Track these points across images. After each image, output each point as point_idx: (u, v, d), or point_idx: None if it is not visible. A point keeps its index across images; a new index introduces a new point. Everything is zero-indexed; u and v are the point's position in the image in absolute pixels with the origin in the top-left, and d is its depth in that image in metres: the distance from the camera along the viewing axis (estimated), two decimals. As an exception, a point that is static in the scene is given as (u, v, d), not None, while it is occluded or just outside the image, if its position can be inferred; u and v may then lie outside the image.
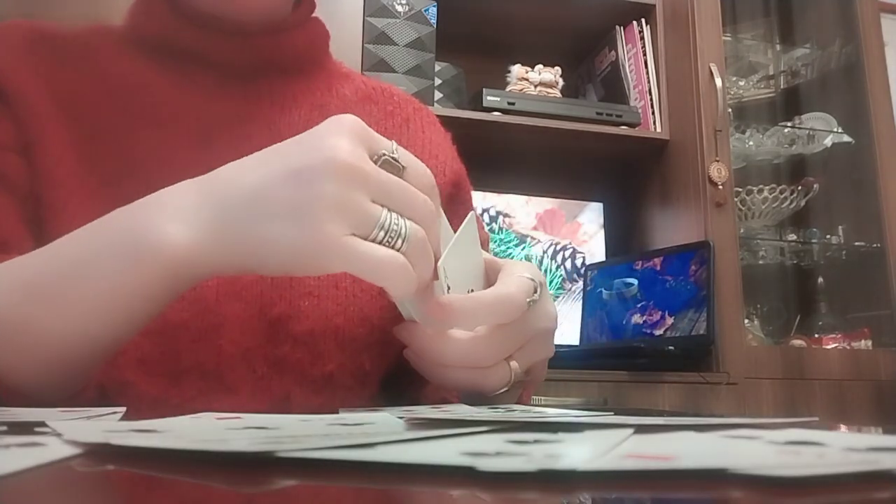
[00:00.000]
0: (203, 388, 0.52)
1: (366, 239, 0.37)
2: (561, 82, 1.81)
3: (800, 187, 1.84)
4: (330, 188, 0.36)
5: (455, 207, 0.71)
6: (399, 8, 1.63)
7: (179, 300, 0.52)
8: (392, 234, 0.37)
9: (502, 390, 0.44)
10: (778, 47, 2.03)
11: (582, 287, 1.81)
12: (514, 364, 0.44)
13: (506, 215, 1.83)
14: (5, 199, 0.53)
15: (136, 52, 0.61)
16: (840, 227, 1.86)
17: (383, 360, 0.60)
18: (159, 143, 0.57)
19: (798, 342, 1.73)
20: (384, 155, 0.39)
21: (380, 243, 0.37)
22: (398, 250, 0.38)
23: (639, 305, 1.66)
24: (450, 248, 0.42)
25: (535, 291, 0.44)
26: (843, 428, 0.38)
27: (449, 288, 0.42)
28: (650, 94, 1.79)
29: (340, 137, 0.38)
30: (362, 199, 0.37)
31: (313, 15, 0.66)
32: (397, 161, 0.40)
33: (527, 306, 0.43)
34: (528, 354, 0.45)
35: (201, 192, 0.40)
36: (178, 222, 0.39)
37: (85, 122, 0.57)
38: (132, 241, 0.39)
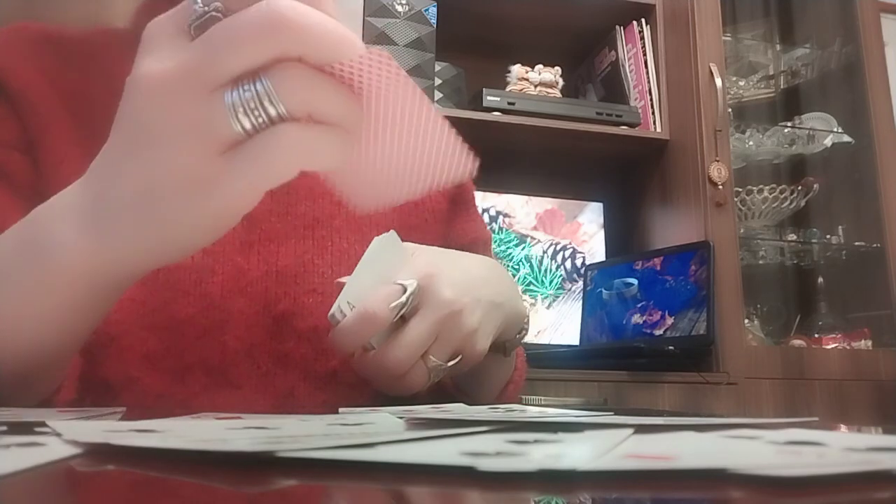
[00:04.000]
0: (208, 383, 0.53)
1: (242, 133, 0.30)
2: (561, 82, 1.81)
3: (800, 187, 1.84)
4: (158, 118, 0.30)
5: (457, 207, 0.71)
6: (399, 8, 1.63)
7: (185, 296, 0.52)
8: (252, 108, 0.29)
9: (427, 385, 0.46)
10: (778, 47, 2.03)
11: (582, 287, 1.81)
12: (431, 360, 0.45)
13: (506, 215, 1.83)
14: (6, 196, 0.53)
15: None
16: (840, 227, 1.86)
17: None
18: None
19: (798, 342, 1.73)
20: (196, 20, 0.31)
21: (256, 126, 0.29)
22: (276, 115, 0.29)
23: (639, 305, 1.66)
24: (357, 270, 0.44)
25: (405, 292, 0.43)
26: (843, 428, 0.38)
27: (352, 307, 0.43)
28: (650, 94, 1.79)
29: (143, 58, 0.31)
30: (199, 104, 0.29)
31: None
32: (214, 11, 0.31)
33: (391, 314, 0.43)
34: (442, 345, 0.45)
35: (86, 194, 0.35)
36: (73, 231, 0.34)
37: (90, 122, 0.57)
38: (39, 253, 0.36)
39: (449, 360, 0.46)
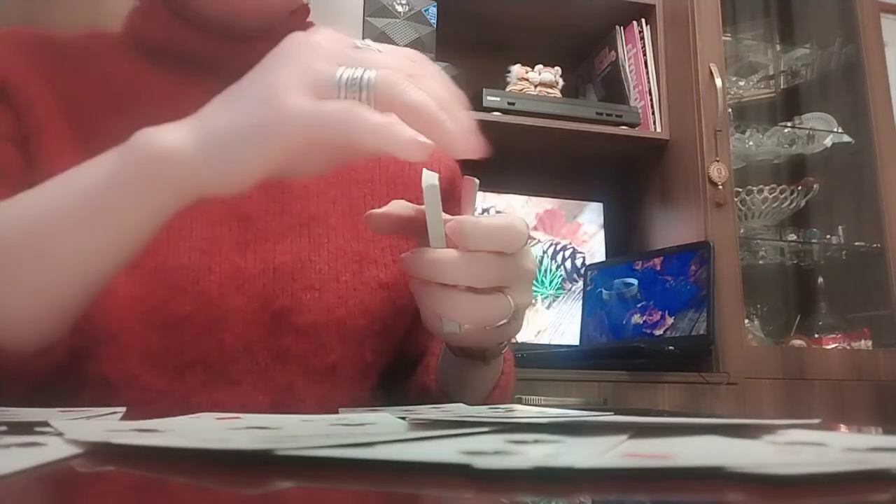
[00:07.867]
0: (207, 380, 0.53)
1: (338, 93, 0.37)
2: (561, 82, 1.80)
3: (800, 187, 1.84)
4: (286, 68, 0.38)
5: (448, 204, 0.71)
6: (399, 8, 1.63)
7: (182, 294, 0.53)
8: (352, 88, 0.37)
9: (502, 322, 0.43)
10: (778, 47, 2.03)
11: (582, 287, 1.81)
12: (509, 298, 0.43)
13: (506, 215, 1.83)
14: None
15: (134, 55, 0.62)
16: (840, 227, 1.86)
17: (384, 351, 0.61)
18: None
19: (798, 342, 1.73)
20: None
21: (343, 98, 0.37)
22: (360, 101, 0.37)
23: (639, 305, 1.66)
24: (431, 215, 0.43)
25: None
26: (843, 428, 0.38)
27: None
28: (650, 94, 1.79)
29: (300, 36, 0.39)
30: (317, 64, 0.37)
31: (308, 19, 0.67)
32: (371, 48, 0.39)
33: (526, 235, 0.43)
34: (517, 293, 0.44)
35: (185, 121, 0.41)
36: (174, 134, 0.40)
37: (85, 123, 0.58)
38: (141, 153, 0.40)
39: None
